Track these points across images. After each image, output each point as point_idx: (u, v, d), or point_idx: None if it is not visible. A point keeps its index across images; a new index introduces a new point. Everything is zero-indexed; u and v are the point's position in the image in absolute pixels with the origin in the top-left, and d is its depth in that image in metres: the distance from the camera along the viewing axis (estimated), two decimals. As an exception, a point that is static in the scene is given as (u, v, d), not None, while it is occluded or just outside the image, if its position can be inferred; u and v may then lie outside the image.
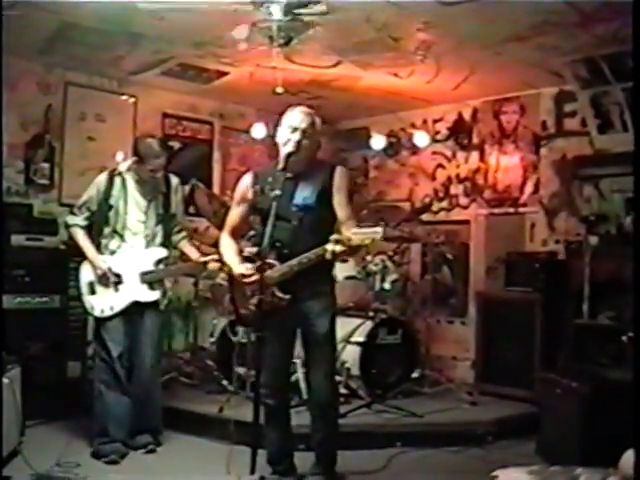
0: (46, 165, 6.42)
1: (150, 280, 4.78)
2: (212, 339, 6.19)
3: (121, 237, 4.77)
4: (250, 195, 4.04)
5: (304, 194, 3.89)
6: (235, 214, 4.15)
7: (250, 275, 3.78)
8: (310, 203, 3.87)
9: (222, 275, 5.48)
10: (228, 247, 4.10)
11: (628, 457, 2.49)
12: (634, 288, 3.31)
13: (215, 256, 4.75)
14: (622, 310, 5.56)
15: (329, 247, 3.52)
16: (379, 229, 3.44)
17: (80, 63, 6.29)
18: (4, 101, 5.82)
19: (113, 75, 6.70)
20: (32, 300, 5.51)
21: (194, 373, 6.35)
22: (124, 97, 6.96)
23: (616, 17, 4.86)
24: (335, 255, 3.54)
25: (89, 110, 6.73)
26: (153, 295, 4.81)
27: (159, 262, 4.84)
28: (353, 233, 3.48)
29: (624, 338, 5.09)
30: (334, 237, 3.51)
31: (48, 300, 5.60)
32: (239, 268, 3.90)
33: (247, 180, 4.09)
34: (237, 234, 4.19)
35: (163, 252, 4.87)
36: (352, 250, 3.55)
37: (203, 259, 4.89)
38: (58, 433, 5.05)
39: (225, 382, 5.84)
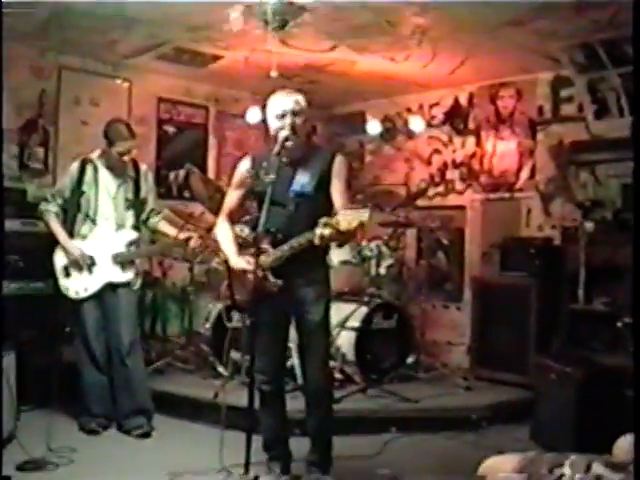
0: (40, 150, 6.40)
1: (122, 261, 4.93)
2: (207, 324, 6.17)
3: (93, 222, 4.94)
4: (247, 179, 4.00)
5: (302, 181, 3.85)
6: (232, 198, 4.10)
7: (251, 271, 3.68)
8: (308, 190, 3.83)
9: (217, 259, 5.49)
10: (225, 233, 4.05)
11: (622, 442, 2.50)
12: (633, 280, 3.31)
13: (198, 232, 5.07)
14: (617, 296, 5.57)
15: (318, 231, 3.46)
16: (365, 211, 3.36)
17: (74, 47, 6.25)
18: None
19: (107, 59, 6.66)
20: (26, 286, 5.50)
21: (189, 358, 6.34)
22: (118, 81, 6.93)
23: (612, 2, 4.85)
24: (324, 239, 3.45)
25: (83, 94, 6.71)
26: (126, 275, 4.95)
27: (130, 244, 4.99)
28: (341, 215, 3.41)
29: (619, 324, 5.10)
30: (323, 220, 3.46)
31: (42, 285, 5.57)
32: (239, 262, 3.84)
33: (245, 164, 4.04)
34: (234, 218, 4.16)
35: (134, 234, 5.03)
36: (341, 235, 3.44)
37: (183, 235, 5.05)
38: (52, 418, 5.03)
39: (220, 367, 5.84)
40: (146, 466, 4.26)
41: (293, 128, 3.79)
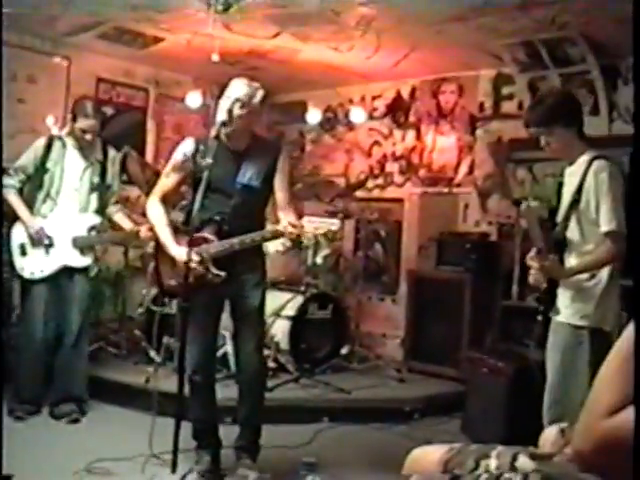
0: (-28, 126, 6.20)
1: (82, 245, 4.81)
2: (141, 309, 6.09)
3: (54, 201, 4.79)
4: (186, 162, 3.90)
5: (249, 173, 3.83)
6: (169, 180, 3.97)
7: (193, 262, 3.67)
8: (255, 184, 3.83)
9: (152, 244, 5.41)
10: (158, 216, 3.94)
11: (547, 434, 2.54)
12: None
13: (148, 225, 4.77)
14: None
15: (281, 240, 3.61)
16: (336, 221, 3.47)
17: (11, 21, 6.05)
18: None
19: (46, 36, 6.48)
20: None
21: (121, 343, 6.24)
22: (57, 59, 6.76)
23: (555, 2, 4.90)
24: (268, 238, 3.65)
25: (20, 71, 6.51)
26: (84, 261, 4.85)
27: (92, 229, 4.88)
28: (306, 223, 3.54)
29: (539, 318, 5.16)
30: (272, 228, 3.53)
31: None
32: (178, 252, 3.75)
33: (186, 146, 3.92)
34: (168, 201, 4.07)
35: (96, 219, 4.92)
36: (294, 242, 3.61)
37: (136, 228, 4.91)
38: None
39: (152, 353, 5.77)
40: (71, 451, 4.17)
41: (229, 113, 3.74)
